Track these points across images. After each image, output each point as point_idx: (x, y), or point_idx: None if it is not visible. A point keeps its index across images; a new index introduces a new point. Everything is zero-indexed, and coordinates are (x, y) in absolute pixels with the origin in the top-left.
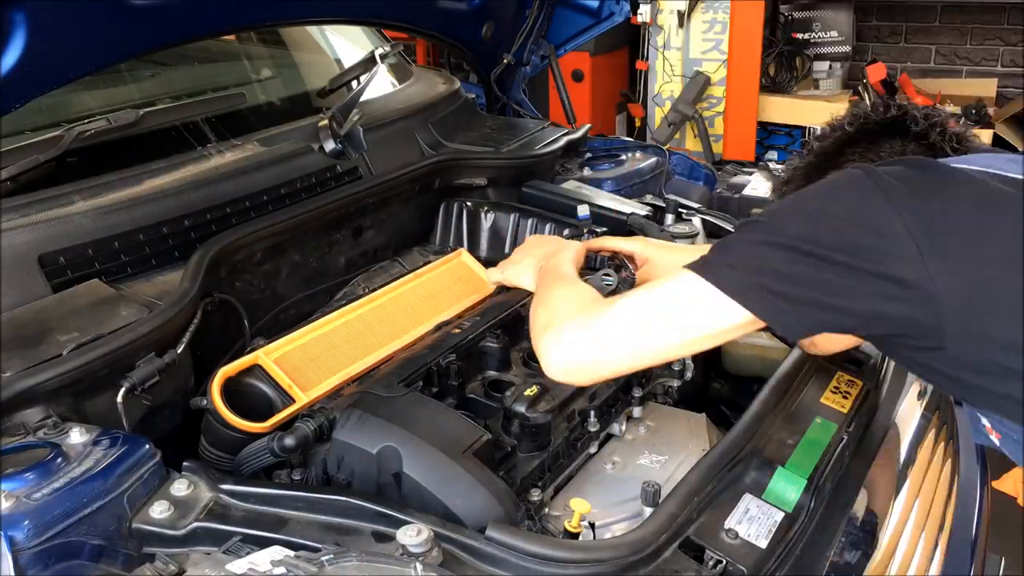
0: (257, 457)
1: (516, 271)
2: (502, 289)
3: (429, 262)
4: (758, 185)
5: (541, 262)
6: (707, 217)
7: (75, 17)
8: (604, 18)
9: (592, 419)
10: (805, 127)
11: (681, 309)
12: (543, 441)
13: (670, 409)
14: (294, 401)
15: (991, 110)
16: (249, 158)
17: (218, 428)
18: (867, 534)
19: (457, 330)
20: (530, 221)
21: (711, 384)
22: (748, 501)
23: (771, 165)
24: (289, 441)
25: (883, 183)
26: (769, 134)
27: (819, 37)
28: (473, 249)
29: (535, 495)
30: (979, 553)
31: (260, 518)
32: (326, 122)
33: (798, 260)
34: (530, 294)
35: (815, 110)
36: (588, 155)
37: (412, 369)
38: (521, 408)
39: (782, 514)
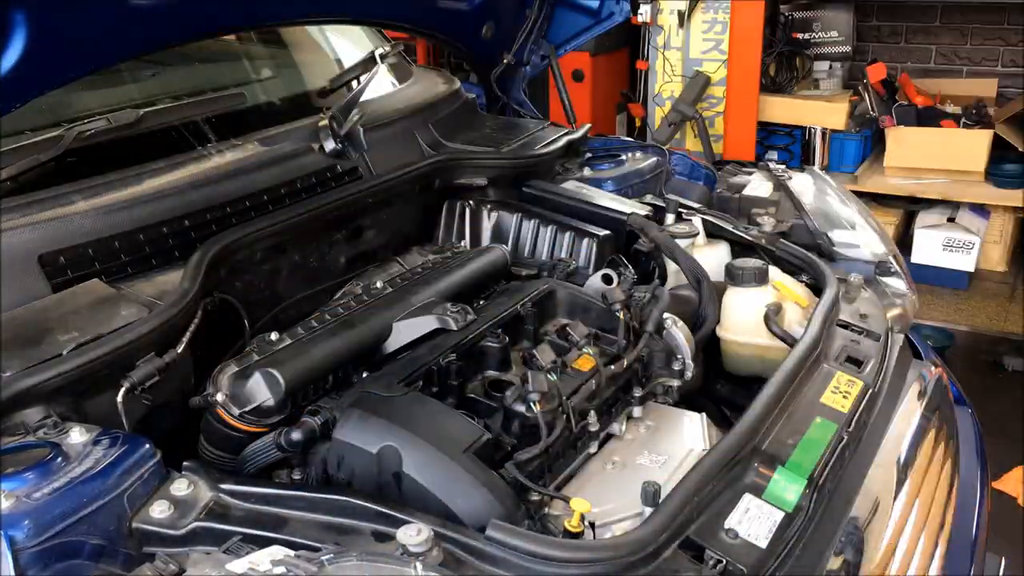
0: (263, 453)
1: None
2: (502, 288)
3: (428, 261)
4: (758, 185)
5: None
6: (707, 217)
7: (75, 17)
8: (604, 18)
9: (592, 419)
10: (805, 127)
11: None
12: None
13: (670, 409)
14: None
15: (991, 110)
16: (249, 158)
17: (218, 428)
18: (867, 534)
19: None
20: (549, 229)
21: (711, 384)
22: (748, 501)
23: (771, 165)
24: (296, 435)
25: None
26: (769, 134)
27: (819, 37)
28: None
29: (535, 495)
30: (979, 553)
31: (260, 518)
32: (326, 122)
33: None
34: (532, 292)
35: (815, 110)
36: (588, 155)
37: (412, 369)
38: (521, 408)
39: (782, 514)
